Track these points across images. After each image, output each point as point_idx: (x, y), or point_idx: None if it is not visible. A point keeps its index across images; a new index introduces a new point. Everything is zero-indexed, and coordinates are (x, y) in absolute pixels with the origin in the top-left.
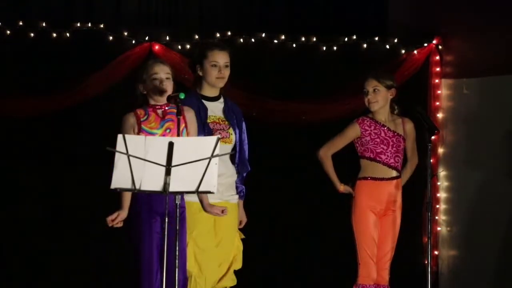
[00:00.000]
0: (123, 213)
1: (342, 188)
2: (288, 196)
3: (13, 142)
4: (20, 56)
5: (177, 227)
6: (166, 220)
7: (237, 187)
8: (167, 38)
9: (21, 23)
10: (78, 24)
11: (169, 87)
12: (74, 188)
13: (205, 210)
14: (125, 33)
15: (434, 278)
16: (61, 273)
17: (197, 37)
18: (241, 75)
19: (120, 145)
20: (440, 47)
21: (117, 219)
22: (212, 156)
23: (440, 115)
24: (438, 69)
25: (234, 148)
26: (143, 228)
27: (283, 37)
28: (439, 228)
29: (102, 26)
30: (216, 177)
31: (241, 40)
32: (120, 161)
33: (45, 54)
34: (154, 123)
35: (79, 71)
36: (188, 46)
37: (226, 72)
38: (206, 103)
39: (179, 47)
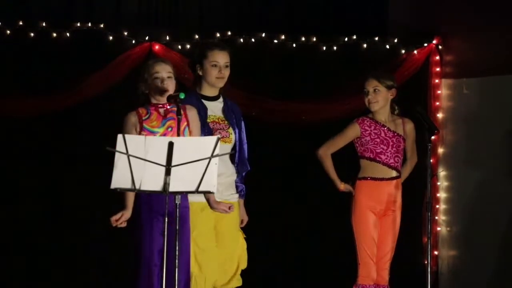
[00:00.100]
0: (127, 213)
1: (342, 186)
2: (288, 196)
3: (13, 142)
4: (20, 56)
5: (177, 227)
6: (166, 220)
7: (237, 186)
8: (167, 38)
9: (21, 23)
10: (78, 24)
11: (170, 86)
12: (74, 188)
13: (211, 207)
14: (125, 33)
15: (434, 278)
16: (61, 273)
17: (197, 37)
18: (241, 75)
19: (120, 145)
20: (440, 47)
21: (121, 219)
22: (212, 156)
23: (440, 115)
24: (438, 69)
25: (233, 148)
26: (144, 228)
27: (283, 37)
28: (439, 228)
29: (102, 26)
30: (216, 177)
31: (241, 40)
32: (120, 161)
33: (45, 54)
34: (156, 121)
35: (79, 71)
36: (188, 46)
37: (226, 72)
38: (205, 102)
39: (179, 47)
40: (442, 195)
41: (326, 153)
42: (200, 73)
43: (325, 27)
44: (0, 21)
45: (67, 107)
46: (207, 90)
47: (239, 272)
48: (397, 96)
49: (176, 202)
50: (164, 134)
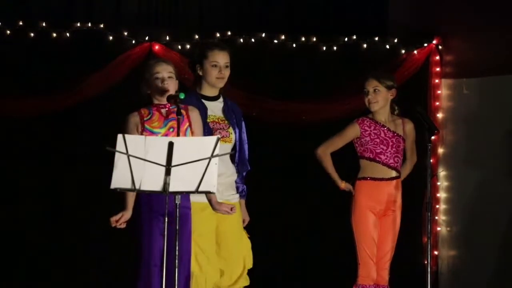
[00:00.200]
0: (127, 214)
1: (343, 185)
2: (288, 196)
3: (13, 142)
4: (20, 56)
5: (177, 227)
6: (166, 220)
7: (238, 187)
8: (167, 38)
9: (21, 23)
10: (78, 24)
11: (171, 86)
12: (74, 188)
13: (213, 208)
14: (125, 33)
15: (434, 278)
16: (61, 273)
17: (197, 37)
18: (241, 75)
19: (120, 145)
20: (440, 47)
21: (120, 220)
22: (212, 156)
23: (440, 115)
24: (438, 69)
25: (234, 148)
26: (144, 228)
27: (283, 37)
28: (439, 228)
29: (102, 26)
30: (216, 177)
31: (241, 40)
32: (120, 161)
33: (45, 54)
34: (158, 122)
35: (79, 71)
36: (188, 46)
37: (226, 72)
38: (206, 102)
39: (179, 47)
40: (442, 195)
41: (325, 152)
42: (200, 73)
43: (325, 27)
44: (0, 21)
45: (67, 107)
46: (207, 90)
47: (245, 271)
48: (397, 96)
49: (176, 202)
50: (165, 135)
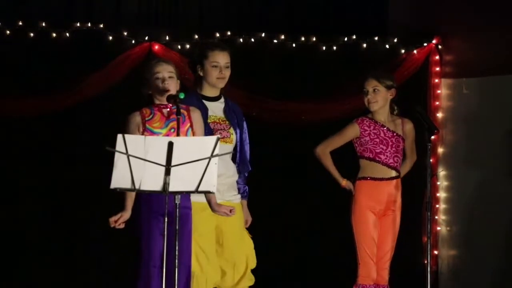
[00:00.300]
0: (126, 215)
1: (344, 182)
2: (288, 196)
3: (13, 142)
4: (19, 56)
5: (177, 227)
6: (166, 220)
7: (239, 187)
8: (167, 38)
9: (20, 23)
10: (78, 24)
11: (172, 86)
12: (74, 188)
13: (212, 210)
14: (125, 33)
15: (434, 278)
16: (61, 273)
17: (197, 37)
18: (241, 75)
19: (119, 145)
20: (439, 46)
21: (119, 220)
22: (212, 156)
23: (439, 115)
24: (437, 68)
25: (235, 148)
26: (143, 228)
27: (283, 37)
28: (438, 228)
29: (102, 26)
30: (216, 177)
31: (241, 40)
32: (119, 161)
33: (44, 54)
34: (159, 122)
35: (79, 71)
36: (188, 46)
37: (227, 73)
38: (206, 103)
39: (179, 47)
40: (442, 194)
41: (324, 151)
42: (201, 73)
43: (325, 27)
44: (0, 21)
45: (66, 107)
46: (208, 91)
47: (248, 271)
48: (396, 96)
49: (176, 202)
50: (167, 135)
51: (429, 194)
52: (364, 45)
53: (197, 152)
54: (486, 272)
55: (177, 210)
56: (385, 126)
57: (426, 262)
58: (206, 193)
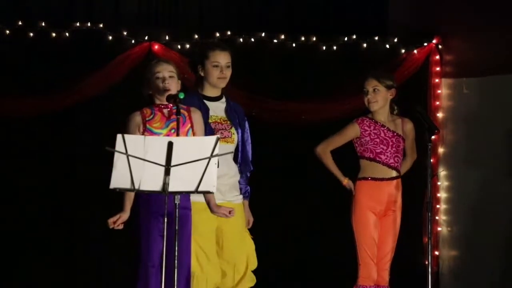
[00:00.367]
0: (125, 215)
1: (346, 181)
2: (288, 196)
3: (12, 142)
4: (19, 56)
5: (176, 228)
6: (166, 221)
7: (241, 188)
8: (167, 37)
9: (20, 23)
10: (78, 24)
11: (172, 85)
12: (74, 188)
13: (211, 211)
14: (125, 33)
15: (435, 279)
16: (61, 273)
17: (197, 37)
18: (240, 75)
19: (119, 145)
20: (440, 46)
21: (118, 221)
22: (212, 156)
23: (440, 115)
24: (438, 68)
25: (236, 148)
26: (142, 229)
27: (282, 36)
28: (439, 228)
29: (101, 25)
30: (216, 177)
31: (241, 40)
32: (119, 161)
33: (44, 54)
34: (160, 122)
35: (79, 71)
36: (187, 46)
37: (228, 72)
38: (207, 103)
39: (179, 46)
40: (442, 195)
41: (324, 150)
42: (202, 73)
43: (325, 26)
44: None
45: (66, 107)
46: (209, 91)
47: (249, 272)
48: (396, 96)
49: (176, 202)
50: (167, 136)
51: (429, 195)
52: (364, 45)
53: (197, 152)
54: (487, 272)
55: (177, 210)
56: (385, 126)
57: (426, 262)
58: (206, 193)
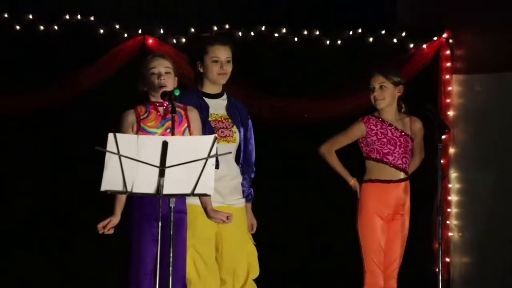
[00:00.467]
0: (115, 220)
1: (353, 182)
2: (288, 196)
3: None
4: (4, 51)
5: (171, 232)
6: (160, 225)
7: (244, 190)
8: (161, 31)
9: (6, 15)
10: (67, 17)
11: (169, 82)
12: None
13: (208, 216)
14: (117, 26)
15: (446, 287)
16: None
17: (193, 30)
18: (239, 71)
19: (110, 145)
20: (450, 40)
21: (108, 225)
22: (209, 156)
23: (451, 113)
24: (448, 64)
25: (238, 148)
26: (134, 233)
27: (284, 30)
28: (450, 234)
29: (92, 18)
30: (213, 179)
31: (240, 34)
32: (111, 161)
33: (31, 48)
34: (155, 121)
35: (68, 66)
36: (183, 40)
37: (228, 68)
38: (207, 100)
39: (174, 41)
40: (453, 198)
41: (329, 150)
42: (201, 70)
43: (328, 20)
44: None
45: (54, 104)
46: (209, 88)
47: (250, 280)
48: (404, 93)
49: (170, 205)
50: (162, 135)
51: (440, 198)
52: (370, 39)
53: (193, 152)
54: (500, 280)
55: (172, 214)
56: (392, 125)
57: (437, 270)
58: (203, 196)
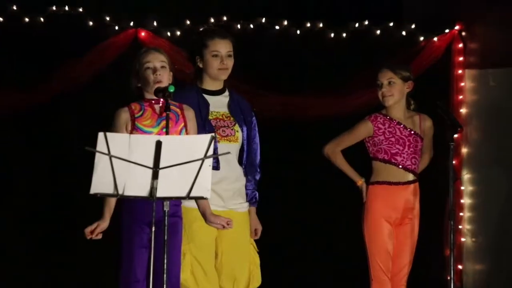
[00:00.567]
0: (104, 224)
1: (360, 182)
2: (289, 196)
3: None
4: None
5: (165, 238)
6: (153, 230)
7: (247, 193)
8: (155, 23)
9: None
10: (54, 8)
11: (164, 77)
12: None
13: (207, 221)
14: (107, 18)
15: None
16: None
17: (188, 23)
18: (238, 66)
19: (101, 145)
20: (463, 33)
21: (96, 230)
22: (206, 156)
23: (463, 110)
24: (461, 58)
25: (241, 148)
26: (124, 239)
27: (285, 22)
28: (463, 239)
29: (81, 10)
30: (210, 181)
31: (238, 26)
32: (101, 162)
33: (16, 41)
34: (150, 120)
35: (55, 61)
36: (178, 33)
37: (229, 63)
38: (207, 97)
39: (168, 34)
40: (466, 201)
41: (334, 150)
42: (201, 65)
43: (333, 11)
44: None
45: (40, 102)
46: (209, 84)
47: None
48: (413, 89)
49: (165, 209)
50: (158, 135)
51: (452, 201)
52: (378, 31)
53: (189, 152)
54: None
55: (166, 218)
56: (401, 124)
57: (449, 278)
58: (199, 199)
